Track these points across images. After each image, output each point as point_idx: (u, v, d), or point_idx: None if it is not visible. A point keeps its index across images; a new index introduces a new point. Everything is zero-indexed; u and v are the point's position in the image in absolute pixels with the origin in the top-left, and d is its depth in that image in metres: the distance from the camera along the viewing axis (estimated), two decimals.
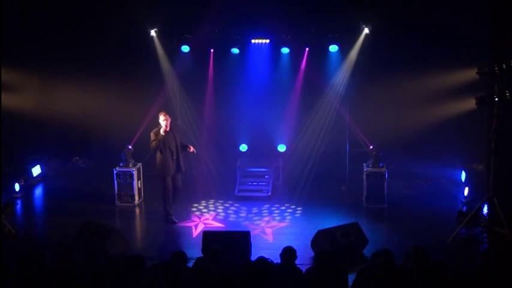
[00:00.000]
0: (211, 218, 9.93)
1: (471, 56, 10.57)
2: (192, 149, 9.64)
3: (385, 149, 10.64)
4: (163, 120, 9.29)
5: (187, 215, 9.99)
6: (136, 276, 5.51)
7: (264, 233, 9.20)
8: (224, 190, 11.12)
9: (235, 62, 12.23)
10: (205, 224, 9.63)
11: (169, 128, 9.35)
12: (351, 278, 6.02)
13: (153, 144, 9.29)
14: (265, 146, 12.39)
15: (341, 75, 11.93)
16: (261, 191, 11.06)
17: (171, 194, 9.60)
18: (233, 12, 11.47)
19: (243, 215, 10.04)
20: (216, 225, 9.66)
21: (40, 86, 12.51)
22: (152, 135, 9.36)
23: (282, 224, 9.63)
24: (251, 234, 8.25)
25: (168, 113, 9.54)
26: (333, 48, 11.79)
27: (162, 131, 9.27)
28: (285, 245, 6.30)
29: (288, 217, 9.96)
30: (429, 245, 7.28)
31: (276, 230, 9.34)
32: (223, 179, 11.61)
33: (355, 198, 10.61)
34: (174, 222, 9.59)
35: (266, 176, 11.44)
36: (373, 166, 10.33)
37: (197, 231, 9.29)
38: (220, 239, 7.71)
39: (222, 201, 10.69)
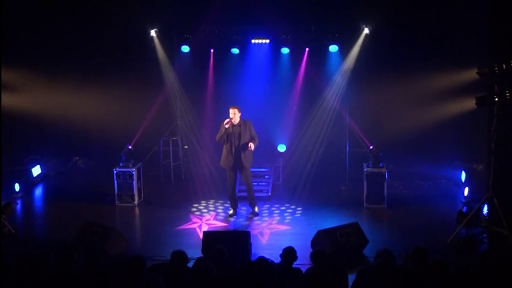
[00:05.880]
0: (212, 218, 9.94)
1: (471, 56, 10.57)
2: (249, 145, 9.53)
3: (385, 149, 10.65)
4: (230, 114, 9.47)
5: (187, 215, 10.00)
6: (136, 276, 5.50)
7: (264, 233, 9.20)
8: (224, 190, 11.08)
9: (235, 62, 12.22)
10: (207, 224, 9.64)
11: (237, 123, 9.48)
12: (351, 278, 6.02)
13: (217, 136, 9.54)
14: (265, 146, 12.38)
15: (341, 75, 11.92)
16: (261, 191, 11.06)
17: (232, 189, 9.80)
18: (233, 12, 11.47)
19: (241, 218, 9.99)
20: (218, 224, 9.69)
21: (40, 85, 12.49)
22: (220, 126, 9.52)
23: (282, 224, 9.62)
24: (251, 234, 8.25)
25: (238, 107, 9.57)
26: (333, 48, 11.77)
27: (224, 123, 9.40)
28: (285, 245, 6.30)
29: (288, 217, 9.96)
30: (429, 245, 7.30)
31: (275, 230, 9.34)
32: (223, 179, 11.57)
33: (355, 198, 10.61)
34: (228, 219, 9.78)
35: (266, 176, 11.45)
36: (373, 166, 10.33)
37: (190, 227, 9.33)
38: (220, 239, 7.70)
39: (222, 201, 10.69)
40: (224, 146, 9.63)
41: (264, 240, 8.95)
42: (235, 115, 9.48)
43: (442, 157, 11.90)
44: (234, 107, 9.56)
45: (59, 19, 11.92)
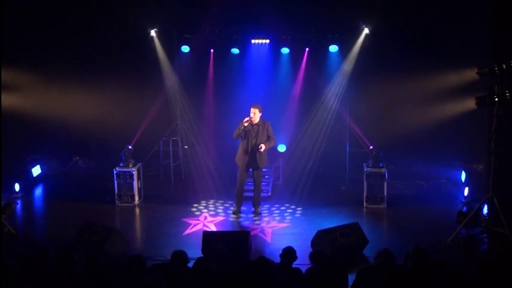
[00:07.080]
0: (210, 216, 9.94)
1: (471, 56, 10.57)
2: (260, 146, 9.55)
3: (385, 149, 10.65)
4: (251, 113, 9.53)
5: (187, 215, 10.00)
6: (136, 276, 5.50)
7: (264, 233, 9.20)
8: (224, 190, 11.12)
9: (235, 62, 12.22)
10: (207, 223, 9.64)
11: (255, 123, 9.54)
12: (351, 278, 6.02)
13: (234, 133, 9.61)
14: None
15: (341, 75, 11.93)
16: (261, 191, 11.04)
17: (240, 186, 9.87)
18: (233, 12, 11.47)
19: (243, 215, 10.04)
20: (219, 219, 9.76)
21: (40, 85, 12.47)
22: (239, 124, 9.58)
23: (282, 224, 9.62)
24: (251, 234, 8.25)
25: (259, 107, 9.63)
26: (333, 48, 11.77)
27: (244, 121, 9.44)
28: (285, 245, 6.30)
29: (288, 217, 9.96)
30: (429, 245, 7.32)
31: (275, 230, 9.34)
32: (223, 179, 11.60)
33: (355, 198, 10.60)
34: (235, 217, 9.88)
35: (266, 176, 11.44)
36: (373, 166, 10.33)
37: (195, 230, 9.31)
38: (220, 239, 7.70)
39: (222, 201, 10.69)
40: (241, 143, 9.67)
41: (264, 240, 8.95)
42: (255, 115, 9.53)
43: (442, 157, 11.90)
44: (256, 106, 9.60)
45: (59, 19, 11.90)
